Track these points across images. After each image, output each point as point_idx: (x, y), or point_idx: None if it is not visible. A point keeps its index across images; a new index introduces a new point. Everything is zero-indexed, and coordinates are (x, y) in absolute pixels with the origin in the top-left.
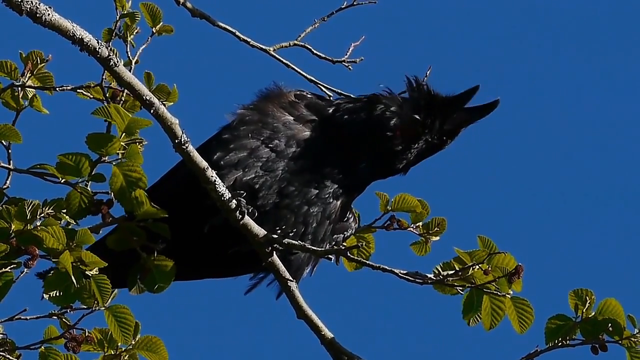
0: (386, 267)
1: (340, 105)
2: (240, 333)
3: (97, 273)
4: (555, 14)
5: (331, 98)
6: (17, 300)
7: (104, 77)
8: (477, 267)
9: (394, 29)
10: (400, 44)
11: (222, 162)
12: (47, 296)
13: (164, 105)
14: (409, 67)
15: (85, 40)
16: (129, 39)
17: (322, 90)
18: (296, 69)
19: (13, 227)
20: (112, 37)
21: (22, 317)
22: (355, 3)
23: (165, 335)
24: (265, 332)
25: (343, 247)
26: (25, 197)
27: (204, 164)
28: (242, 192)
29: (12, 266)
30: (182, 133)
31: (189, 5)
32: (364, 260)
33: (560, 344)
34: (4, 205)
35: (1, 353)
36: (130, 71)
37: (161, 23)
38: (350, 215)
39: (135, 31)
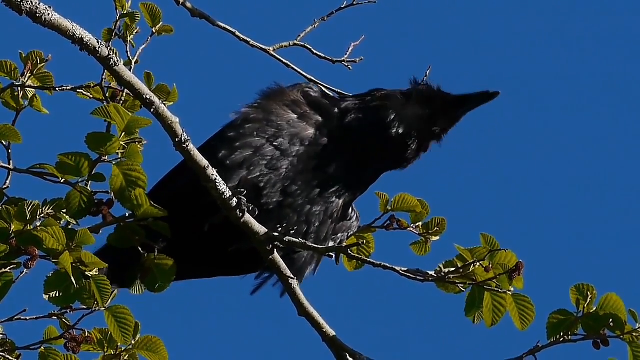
0: (387, 265)
1: (347, 105)
2: (242, 331)
3: (96, 274)
4: (555, 14)
5: (336, 96)
6: (17, 300)
7: (103, 76)
8: (478, 264)
9: (394, 29)
10: (400, 44)
11: (228, 162)
12: (47, 297)
13: (164, 104)
14: (409, 67)
15: (85, 40)
16: (128, 38)
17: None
18: (296, 68)
19: (13, 227)
20: (112, 37)
21: (22, 318)
22: (355, 3)
23: (165, 335)
24: (266, 330)
25: (344, 245)
26: (25, 197)
27: (204, 162)
28: (242, 190)
29: (11, 266)
30: (183, 132)
31: (188, 5)
32: (365, 258)
33: (562, 339)
34: (3, 206)
35: (1, 353)
36: (130, 71)
37: (161, 23)
38: (353, 214)
39: (135, 31)
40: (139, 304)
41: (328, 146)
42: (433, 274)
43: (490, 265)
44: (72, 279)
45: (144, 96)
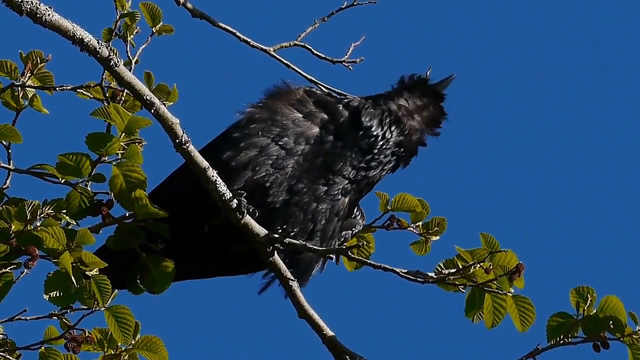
0: (387, 267)
1: (352, 104)
2: (242, 333)
3: (97, 273)
4: (555, 13)
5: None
6: (17, 300)
7: (103, 77)
8: (479, 265)
9: (394, 29)
10: (400, 44)
11: (233, 163)
12: (48, 296)
13: (164, 105)
14: (409, 67)
15: (85, 40)
16: (129, 38)
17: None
18: (296, 69)
19: (13, 227)
20: (112, 37)
21: (22, 318)
22: (355, 3)
23: (165, 335)
24: (266, 332)
25: (344, 247)
26: (25, 197)
27: (204, 163)
28: (242, 192)
29: (12, 267)
30: (183, 133)
31: (189, 5)
32: (365, 260)
33: (562, 341)
34: (4, 206)
35: (1, 353)
36: (130, 71)
37: (161, 23)
38: (358, 212)
39: (135, 31)
40: (139, 304)
41: (334, 144)
42: (433, 276)
43: (491, 267)
44: (73, 278)
45: (145, 97)
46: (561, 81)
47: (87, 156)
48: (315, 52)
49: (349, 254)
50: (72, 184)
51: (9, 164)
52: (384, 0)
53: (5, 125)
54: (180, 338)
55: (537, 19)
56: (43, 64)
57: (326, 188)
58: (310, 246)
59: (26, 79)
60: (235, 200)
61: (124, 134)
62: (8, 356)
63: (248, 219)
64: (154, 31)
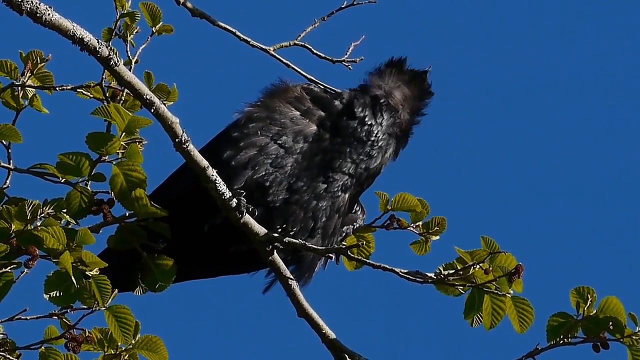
0: (387, 266)
1: (344, 98)
2: (241, 332)
3: (97, 273)
4: (554, 13)
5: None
6: (17, 300)
7: (104, 76)
8: (478, 266)
9: (393, 28)
10: (400, 44)
11: (233, 162)
12: (48, 296)
13: (164, 104)
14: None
15: (85, 40)
16: (128, 38)
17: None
18: (296, 68)
19: (13, 227)
20: (112, 37)
21: (23, 317)
22: (355, 2)
23: (165, 335)
24: (266, 331)
25: (343, 246)
26: (26, 197)
27: (204, 163)
28: (242, 191)
29: (12, 266)
30: (183, 132)
31: (189, 5)
32: (365, 260)
33: (561, 342)
34: (4, 205)
35: (1, 353)
36: (130, 71)
37: (161, 23)
38: (358, 207)
39: (135, 31)
40: (139, 304)
41: (332, 141)
42: (433, 276)
43: (490, 268)
44: (73, 278)
45: (144, 96)
46: (561, 81)
47: (87, 156)
48: (315, 51)
49: (349, 253)
50: (72, 184)
51: (9, 164)
52: (384, 0)
53: (5, 124)
54: (180, 338)
55: (537, 19)
56: (43, 64)
57: (326, 185)
58: (310, 245)
59: (26, 78)
60: (234, 200)
61: (124, 133)
62: (8, 356)
63: (247, 218)
64: (154, 31)
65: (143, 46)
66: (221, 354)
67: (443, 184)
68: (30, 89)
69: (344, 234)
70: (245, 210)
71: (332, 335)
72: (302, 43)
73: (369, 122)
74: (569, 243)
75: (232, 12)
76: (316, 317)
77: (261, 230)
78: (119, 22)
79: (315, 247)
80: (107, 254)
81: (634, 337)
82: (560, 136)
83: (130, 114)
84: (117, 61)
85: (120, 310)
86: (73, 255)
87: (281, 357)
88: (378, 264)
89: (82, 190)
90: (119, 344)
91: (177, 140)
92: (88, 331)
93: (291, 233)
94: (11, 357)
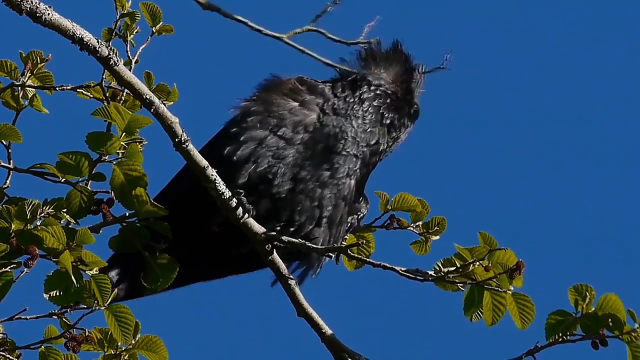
0: (387, 265)
1: (342, 86)
2: (241, 332)
3: (97, 273)
4: (557, 12)
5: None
6: (17, 300)
7: (104, 76)
8: (478, 263)
9: (409, 10)
10: (416, 25)
11: (235, 157)
12: (47, 296)
13: (164, 104)
14: (425, 47)
15: (85, 40)
16: (129, 38)
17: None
18: (312, 54)
19: (13, 226)
20: (112, 37)
21: (22, 317)
22: None
23: (165, 335)
24: (265, 330)
25: (343, 245)
26: (26, 196)
27: (203, 162)
28: (241, 190)
29: (12, 266)
30: (182, 132)
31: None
32: (364, 258)
33: (560, 339)
34: (4, 205)
35: (1, 353)
36: (130, 71)
37: (161, 23)
38: (362, 199)
39: (135, 31)
40: (139, 303)
41: (335, 122)
42: (433, 274)
43: (490, 265)
44: (73, 278)
45: (144, 96)
46: (562, 80)
47: (87, 155)
48: (329, 35)
49: (349, 252)
50: (72, 183)
51: (9, 164)
52: None
53: (5, 124)
54: (180, 338)
55: (541, 16)
56: (43, 64)
57: (330, 172)
58: (310, 245)
59: (26, 78)
60: (234, 199)
61: (124, 133)
62: (8, 355)
63: (247, 217)
64: (154, 31)
65: (143, 46)
66: (221, 353)
67: (443, 184)
68: (30, 89)
69: (349, 224)
70: (243, 209)
71: (332, 334)
72: (316, 28)
73: (362, 98)
74: (567, 241)
75: (237, 5)
76: (316, 317)
77: (260, 229)
78: (119, 22)
79: (315, 246)
80: (114, 261)
81: (633, 334)
82: (559, 134)
83: (130, 113)
84: (117, 61)
85: (120, 309)
86: (73, 255)
87: (281, 356)
88: (378, 263)
89: (82, 189)
90: (119, 343)
91: (176, 140)
92: (88, 331)
93: (297, 224)
94: (11, 357)
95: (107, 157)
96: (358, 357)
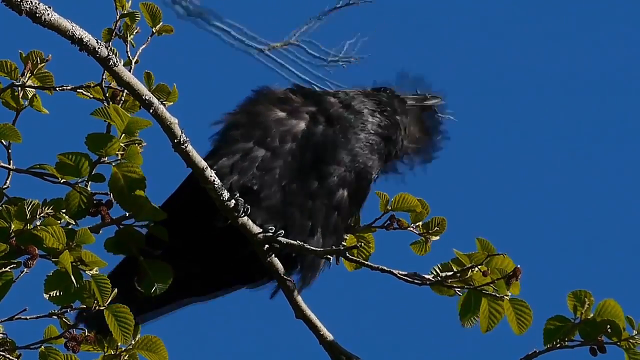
0: (385, 268)
1: (343, 98)
2: (239, 333)
3: (97, 273)
4: (553, 13)
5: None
6: (17, 299)
7: (103, 77)
8: (476, 269)
9: (392, 26)
10: (398, 42)
11: (214, 169)
12: (47, 296)
13: (164, 105)
14: (407, 65)
15: (84, 40)
16: (128, 38)
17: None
18: (291, 69)
19: (13, 227)
20: (112, 37)
21: (22, 317)
22: (351, 2)
23: (165, 335)
24: (264, 332)
25: (342, 247)
26: (25, 197)
27: (203, 163)
28: (235, 192)
29: (11, 266)
30: (181, 133)
31: (184, 4)
32: (363, 261)
33: (558, 345)
34: (3, 205)
35: (1, 353)
36: (130, 71)
37: (161, 23)
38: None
39: (135, 31)
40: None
41: (325, 131)
42: (431, 278)
43: (488, 270)
44: (72, 278)
45: (143, 97)
46: (561, 83)
47: (87, 156)
48: (309, 51)
49: (348, 254)
50: (72, 184)
51: (9, 164)
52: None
53: (5, 124)
54: (180, 338)
55: (537, 19)
56: (43, 64)
57: (319, 183)
58: (308, 247)
59: (26, 79)
60: (233, 200)
61: (123, 134)
62: (8, 355)
63: (245, 219)
64: (154, 31)
65: (143, 46)
66: (220, 354)
67: (443, 184)
68: (30, 89)
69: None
70: (242, 210)
71: (330, 337)
72: (297, 42)
73: (366, 118)
74: (566, 246)
75: (231, 12)
76: (314, 319)
77: (258, 230)
78: (119, 23)
79: (314, 248)
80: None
81: (631, 341)
82: (559, 137)
83: (129, 115)
84: (116, 61)
85: (120, 310)
86: (73, 255)
87: (279, 358)
88: (376, 266)
89: (82, 190)
90: (119, 344)
91: (175, 140)
92: (88, 331)
93: (283, 234)
94: (11, 357)
95: (106, 159)
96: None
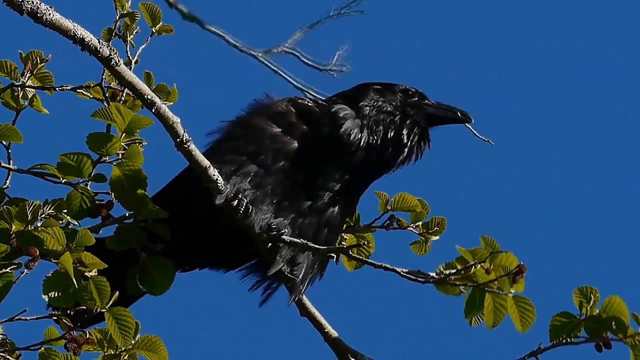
0: (388, 266)
1: (336, 110)
2: (242, 332)
3: (96, 274)
4: (551, 14)
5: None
6: (17, 300)
7: (104, 76)
8: (479, 265)
9: (383, 35)
10: (390, 51)
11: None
12: (46, 297)
13: (165, 104)
14: (399, 74)
15: (86, 40)
16: (128, 38)
17: (308, 96)
18: (284, 75)
19: (14, 227)
20: (112, 37)
21: (22, 318)
22: (342, 12)
23: (165, 335)
24: (268, 330)
25: (344, 246)
26: (26, 197)
27: (205, 162)
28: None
29: (12, 267)
30: (184, 132)
31: (180, 7)
32: (366, 259)
33: (564, 341)
34: (4, 206)
35: (1, 354)
36: (130, 71)
37: (161, 23)
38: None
39: (135, 31)
40: (139, 304)
41: (317, 157)
42: (434, 276)
43: (491, 267)
44: (73, 279)
45: (146, 96)
46: (561, 81)
47: (88, 156)
48: (302, 58)
49: (350, 252)
50: (73, 184)
51: (10, 164)
52: (373, 8)
53: (6, 125)
54: (180, 338)
55: (532, 18)
56: (43, 64)
57: (310, 202)
58: (311, 245)
59: (26, 79)
60: (236, 199)
61: (124, 134)
62: (8, 356)
63: (249, 217)
64: (154, 31)
65: (143, 46)
66: (222, 353)
67: (443, 184)
68: (30, 89)
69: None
70: (244, 208)
71: (335, 334)
72: (291, 50)
73: (353, 139)
74: (572, 243)
75: (229, 14)
76: (319, 316)
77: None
78: (119, 22)
79: (317, 246)
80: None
81: (636, 338)
82: (561, 135)
83: (132, 113)
84: (118, 61)
85: (120, 312)
86: (73, 256)
87: (283, 356)
88: (379, 264)
89: (83, 190)
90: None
91: (178, 140)
92: (88, 332)
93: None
94: (11, 358)
95: (107, 158)
96: (361, 357)
